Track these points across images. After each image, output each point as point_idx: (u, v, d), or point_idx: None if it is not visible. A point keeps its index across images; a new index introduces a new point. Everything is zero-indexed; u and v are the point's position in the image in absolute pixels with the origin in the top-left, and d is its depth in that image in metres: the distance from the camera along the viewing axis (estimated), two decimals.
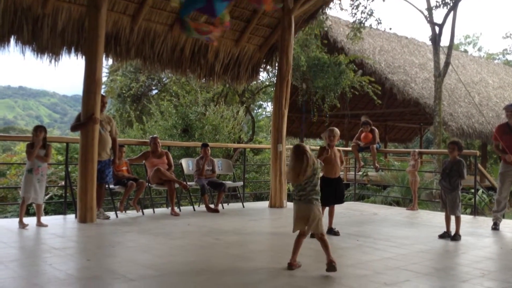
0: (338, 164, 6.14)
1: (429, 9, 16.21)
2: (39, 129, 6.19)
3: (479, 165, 14.27)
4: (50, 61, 7.47)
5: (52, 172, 13.97)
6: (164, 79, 21.36)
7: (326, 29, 16.82)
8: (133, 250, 4.98)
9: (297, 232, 4.34)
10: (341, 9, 23.07)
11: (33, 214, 6.41)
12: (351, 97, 16.66)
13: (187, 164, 8.48)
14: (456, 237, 5.92)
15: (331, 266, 4.06)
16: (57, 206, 12.98)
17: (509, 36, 46.07)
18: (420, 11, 16.68)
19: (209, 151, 8.41)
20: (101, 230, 6.09)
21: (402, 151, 23.42)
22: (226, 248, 5.18)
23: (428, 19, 16.34)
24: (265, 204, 9.27)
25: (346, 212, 8.31)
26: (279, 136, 8.72)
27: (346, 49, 17.34)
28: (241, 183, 9.44)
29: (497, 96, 21.93)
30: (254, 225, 6.96)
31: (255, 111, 25.99)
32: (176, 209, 7.65)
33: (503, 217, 7.18)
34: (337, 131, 6.22)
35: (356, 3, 15.24)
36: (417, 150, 9.53)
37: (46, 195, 11.85)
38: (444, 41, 17.39)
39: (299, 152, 4.17)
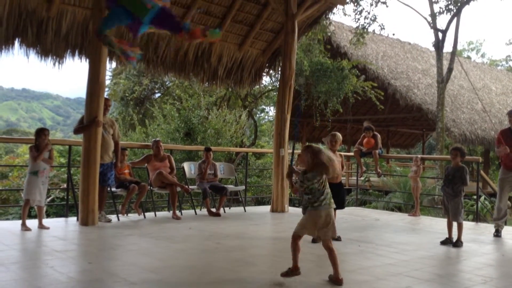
0: (340, 169, 6.13)
1: (433, 15, 16.22)
2: (46, 131, 6.21)
3: (482, 172, 14.25)
4: (54, 64, 7.50)
5: (54, 174, 13.99)
6: (167, 83, 21.42)
7: (329, 34, 16.84)
8: (134, 253, 4.98)
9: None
10: (345, 14, 23.17)
11: (34, 217, 6.42)
12: (353, 102, 16.66)
13: (189, 168, 8.48)
14: (458, 244, 5.90)
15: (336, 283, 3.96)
16: (59, 209, 12.99)
17: None
18: (423, 17, 16.70)
19: (211, 155, 8.42)
20: (102, 233, 6.09)
21: (404, 156, 23.39)
22: (227, 252, 5.17)
23: (432, 25, 16.35)
24: (266, 208, 9.27)
25: (348, 217, 8.29)
26: (281, 141, 8.72)
27: (349, 54, 17.35)
28: (243, 187, 9.44)
29: (500, 102, 21.90)
30: (255, 229, 6.95)
31: (257, 115, 26.02)
32: (177, 212, 7.65)
33: (505, 224, 7.16)
34: (339, 135, 6.21)
35: (359, 9, 15.25)
36: (419, 156, 9.51)
37: (48, 197, 11.88)
38: (447, 47, 17.41)
39: (318, 150, 4.00)
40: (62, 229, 6.41)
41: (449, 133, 16.75)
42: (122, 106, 21.30)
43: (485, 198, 13.07)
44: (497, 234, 6.84)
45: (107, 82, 19.97)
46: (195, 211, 8.28)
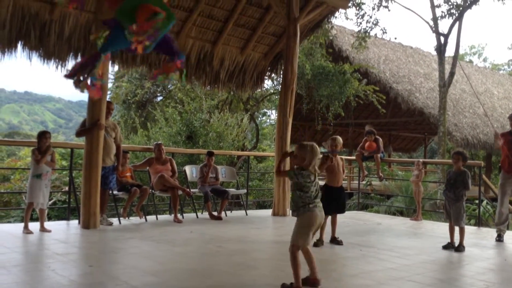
0: (341, 173, 6.13)
1: (435, 19, 16.23)
2: (48, 134, 6.22)
3: (484, 176, 14.21)
4: (57, 67, 7.52)
5: (56, 177, 14.00)
6: (169, 86, 21.44)
7: (331, 38, 16.86)
8: (135, 256, 4.98)
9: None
10: (347, 18, 23.20)
11: (36, 219, 6.42)
12: (355, 106, 16.67)
13: (191, 171, 8.48)
14: (460, 248, 5.89)
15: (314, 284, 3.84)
16: (60, 212, 13.00)
17: None
18: (425, 21, 16.71)
19: (213, 159, 8.41)
20: (104, 236, 6.09)
21: (406, 160, 23.35)
22: (229, 256, 5.17)
23: (434, 29, 16.36)
24: (268, 212, 9.26)
25: (350, 221, 8.28)
26: (283, 144, 8.72)
27: (351, 58, 17.38)
28: (245, 190, 9.43)
29: (502, 106, 21.89)
30: (257, 233, 6.94)
31: (259, 119, 26.00)
32: (179, 216, 7.65)
33: (507, 228, 7.14)
34: (339, 139, 6.18)
35: (361, 13, 15.30)
36: (421, 160, 9.50)
37: (50, 200, 11.89)
38: (449, 51, 17.42)
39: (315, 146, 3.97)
40: (63, 232, 6.41)
41: (451, 137, 16.74)
42: (124, 109, 21.32)
43: (487, 203, 13.05)
44: (499, 238, 6.82)
45: (109, 85, 20.00)
46: (197, 215, 8.28)
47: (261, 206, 15.18)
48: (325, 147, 6.39)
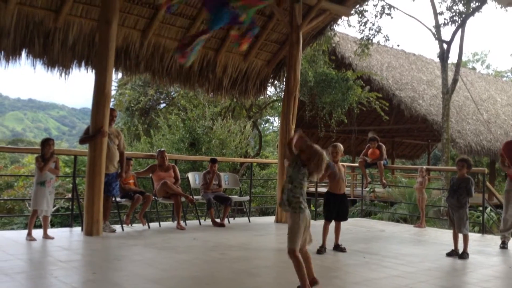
0: (343, 180, 6.11)
1: (437, 26, 16.25)
2: (51, 141, 6.24)
3: (487, 183, 14.16)
4: (60, 75, 7.57)
5: (59, 184, 14.03)
6: (172, 93, 21.51)
7: (334, 45, 16.90)
8: (138, 263, 4.97)
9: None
10: (349, 25, 23.23)
11: (39, 226, 6.42)
12: (358, 113, 16.66)
13: (193, 178, 8.48)
14: (464, 255, 5.86)
15: None
16: (63, 219, 13.01)
17: None
18: (428, 28, 16.73)
19: (217, 166, 8.42)
20: (107, 243, 6.09)
21: (409, 167, 23.31)
22: (231, 263, 5.15)
23: (436, 36, 16.38)
24: (271, 219, 9.24)
25: (353, 228, 8.26)
26: (286, 151, 8.70)
27: (354, 65, 17.39)
28: (248, 197, 9.42)
29: (505, 113, 21.84)
30: (260, 240, 6.92)
31: (262, 126, 26.04)
32: (182, 223, 7.64)
33: None
34: (340, 146, 6.17)
35: (364, 20, 15.31)
36: (424, 167, 9.48)
37: (53, 207, 11.90)
38: (452, 58, 17.41)
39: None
40: (66, 239, 6.42)
41: (454, 144, 16.70)
42: (128, 116, 21.39)
43: (491, 210, 12.98)
44: (504, 245, 6.79)
45: (113, 92, 20.09)
46: (200, 222, 8.27)
47: (264, 213, 15.15)
48: (326, 154, 6.34)
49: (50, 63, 7.42)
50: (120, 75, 9.43)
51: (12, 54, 7.05)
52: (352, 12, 13.43)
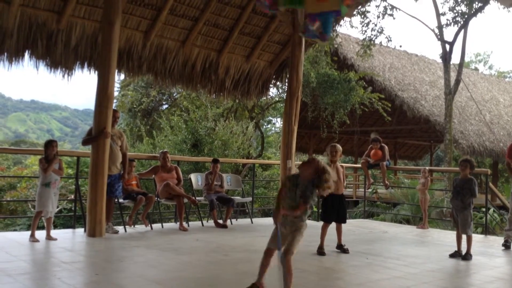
0: (341, 181, 6.10)
1: (440, 27, 16.23)
2: (54, 143, 6.25)
3: (490, 184, 14.13)
4: (63, 76, 7.59)
5: (62, 185, 14.04)
6: (174, 94, 21.54)
7: (336, 46, 16.89)
8: (141, 265, 4.97)
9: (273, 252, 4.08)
10: (352, 26, 23.25)
11: (42, 228, 6.43)
12: (360, 114, 16.64)
13: (196, 179, 8.49)
14: (467, 257, 5.84)
15: None
16: (66, 220, 13.02)
17: None
18: (430, 29, 16.70)
19: (219, 167, 8.42)
20: (109, 245, 6.10)
21: (412, 168, 23.26)
22: (234, 264, 5.15)
23: (439, 37, 16.36)
24: None
25: (356, 229, 8.24)
26: (288, 152, 8.71)
27: (356, 66, 17.38)
28: (250, 198, 9.42)
29: (508, 114, 21.80)
30: (262, 241, 6.85)
31: (264, 127, 26.05)
32: (184, 224, 7.64)
33: None
34: (339, 147, 6.17)
35: (366, 21, 15.30)
36: (427, 167, 9.46)
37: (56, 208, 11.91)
38: (455, 59, 17.37)
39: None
40: (69, 240, 6.42)
41: (457, 145, 16.66)
42: (130, 118, 21.42)
43: (494, 211, 12.95)
44: (506, 244, 6.78)
45: (115, 93, 20.09)
46: (202, 223, 8.27)
47: (266, 214, 15.13)
48: (325, 154, 6.33)
49: (53, 64, 7.44)
50: (122, 76, 9.47)
51: (15, 55, 7.07)
52: (355, 13, 13.44)
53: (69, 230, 7.27)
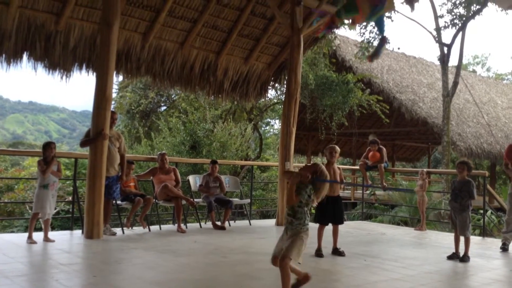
0: (338, 183, 6.10)
1: (438, 29, 16.27)
2: (53, 144, 6.25)
3: (488, 186, 14.14)
4: (61, 77, 7.59)
5: (60, 187, 14.00)
6: (173, 96, 21.54)
7: (334, 48, 16.91)
8: (139, 266, 4.97)
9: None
10: (350, 28, 23.20)
11: (39, 229, 6.42)
12: (359, 116, 16.67)
13: (194, 181, 8.48)
14: (465, 259, 5.85)
15: None
16: (64, 221, 13.00)
17: None
18: (428, 31, 16.75)
19: (217, 168, 8.42)
20: (107, 246, 6.09)
21: (410, 170, 23.29)
22: (232, 266, 5.15)
23: (437, 39, 16.40)
24: (272, 222, 9.23)
25: (353, 231, 8.25)
26: (286, 154, 8.72)
27: (354, 68, 17.40)
28: (248, 200, 9.42)
29: (505, 116, 21.84)
30: (261, 243, 6.92)
31: (262, 129, 26.04)
32: (182, 226, 7.64)
33: None
34: (337, 148, 6.20)
35: (364, 23, 15.33)
36: (425, 169, 9.48)
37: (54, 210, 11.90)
38: (453, 61, 17.42)
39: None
40: (67, 242, 6.41)
41: (455, 147, 16.70)
42: (128, 119, 21.41)
43: (491, 213, 12.97)
44: (504, 247, 6.79)
45: (114, 95, 20.09)
46: (200, 224, 8.27)
47: (264, 216, 15.14)
48: (324, 155, 6.38)
49: (51, 66, 7.44)
50: (121, 77, 9.48)
51: (13, 57, 7.07)
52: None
53: (67, 232, 7.26)
